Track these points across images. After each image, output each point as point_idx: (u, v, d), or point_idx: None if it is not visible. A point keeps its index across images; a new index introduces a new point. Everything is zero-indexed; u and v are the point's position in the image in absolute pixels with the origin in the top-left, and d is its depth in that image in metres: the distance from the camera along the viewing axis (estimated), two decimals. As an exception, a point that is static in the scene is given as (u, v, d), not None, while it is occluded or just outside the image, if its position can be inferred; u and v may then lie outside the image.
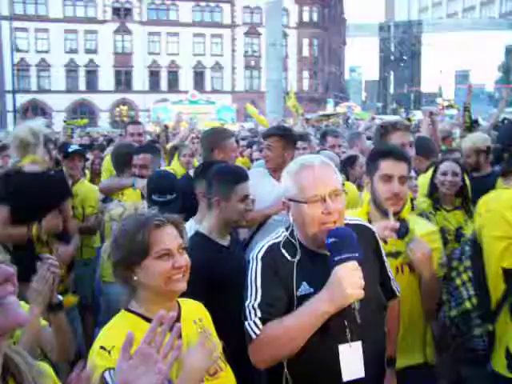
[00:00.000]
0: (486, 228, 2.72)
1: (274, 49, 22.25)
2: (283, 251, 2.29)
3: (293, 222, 2.32)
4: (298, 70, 63.39)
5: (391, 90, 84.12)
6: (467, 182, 4.61)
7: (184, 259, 2.15)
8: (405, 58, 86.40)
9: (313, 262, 2.25)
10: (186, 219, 3.34)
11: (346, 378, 2.20)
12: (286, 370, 2.24)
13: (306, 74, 63.72)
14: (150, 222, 2.12)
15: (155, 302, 2.11)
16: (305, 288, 2.21)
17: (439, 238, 3.27)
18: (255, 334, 2.20)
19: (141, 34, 60.30)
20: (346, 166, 5.79)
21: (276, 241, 2.34)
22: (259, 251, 2.32)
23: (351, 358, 2.22)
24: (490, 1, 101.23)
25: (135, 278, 2.11)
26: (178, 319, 2.13)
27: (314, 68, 64.02)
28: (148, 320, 2.01)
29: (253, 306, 2.22)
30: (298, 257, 2.26)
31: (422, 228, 3.10)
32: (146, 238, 2.08)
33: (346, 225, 2.29)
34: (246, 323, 2.23)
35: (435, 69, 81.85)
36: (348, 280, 2.07)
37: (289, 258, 2.27)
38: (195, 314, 2.28)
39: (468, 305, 2.81)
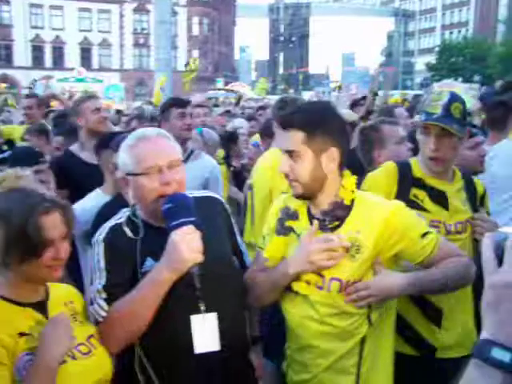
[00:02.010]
0: None
1: (162, 27, 21.87)
2: (126, 230, 2.22)
3: (132, 198, 2.25)
4: (187, 48, 62.81)
5: (280, 71, 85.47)
6: None
7: (64, 250, 1.98)
8: (294, 39, 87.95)
9: (158, 237, 2.14)
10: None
11: (198, 350, 2.15)
12: (137, 347, 2.17)
13: (195, 53, 63.30)
14: (38, 207, 1.90)
15: (24, 287, 1.97)
16: (150, 263, 2.14)
17: None
18: (101, 316, 2.11)
19: (21, 5, 57.20)
20: (229, 141, 6.15)
21: (118, 221, 2.26)
22: (100, 234, 2.23)
23: (204, 330, 2.15)
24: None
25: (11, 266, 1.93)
26: (46, 300, 2.05)
27: (204, 47, 63.72)
28: (17, 303, 1.94)
29: (97, 289, 2.13)
30: (141, 234, 2.19)
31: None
32: (37, 235, 1.87)
33: (194, 198, 2.22)
34: (91, 308, 2.14)
35: (323, 51, 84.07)
36: (184, 244, 2.02)
37: (132, 236, 2.20)
38: (66, 297, 2.16)
39: None
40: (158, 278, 2.06)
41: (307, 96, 37.23)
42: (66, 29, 59.45)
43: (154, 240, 2.15)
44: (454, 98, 2.75)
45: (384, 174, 2.82)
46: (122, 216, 2.29)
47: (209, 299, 2.16)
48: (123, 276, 2.14)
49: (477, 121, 6.48)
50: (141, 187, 2.16)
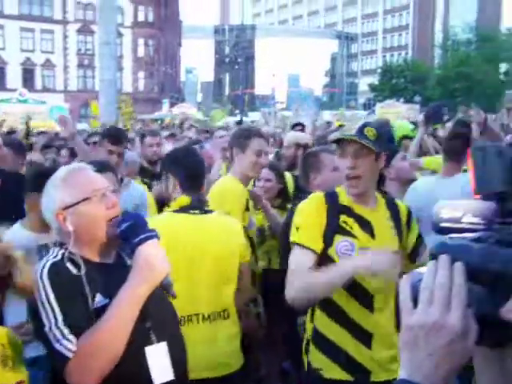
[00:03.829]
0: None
1: (107, 48, 21.78)
2: (68, 266, 2.08)
3: (73, 232, 2.09)
4: (133, 70, 62.58)
5: (226, 92, 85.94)
6: (290, 181, 5.00)
7: None
8: (239, 60, 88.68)
9: (100, 273, 2.09)
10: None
11: (157, 381, 2.08)
12: None
13: (141, 74, 63.12)
14: None
15: None
16: (100, 299, 2.04)
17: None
18: (71, 351, 1.92)
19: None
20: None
21: (56, 259, 2.10)
22: (42, 270, 2.04)
23: (159, 361, 2.11)
24: (316, 11, 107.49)
25: None
26: None
27: (150, 68, 63.61)
28: None
29: (56, 326, 1.95)
30: (83, 270, 2.07)
31: None
32: None
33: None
34: (57, 346, 1.94)
35: (268, 72, 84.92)
36: (155, 256, 2.01)
37: (76, 272, 2.07)
38: None
39: None
40: (136, 293, 1.99)
41: (254, 117, 37.48)
42: (7, 48, 58.37)
43: (97, 276, 2.08)
44: (368, 123, 2.91)
45: (313, 204, 2.86)
46: (56, 254, 2.12)
47: (157, 328, 2.13)
48: (79, 310, 2.00)
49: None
50: (86, 215, 2.09)
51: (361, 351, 2.76)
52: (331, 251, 2.74)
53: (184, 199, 3.11)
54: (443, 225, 1.31)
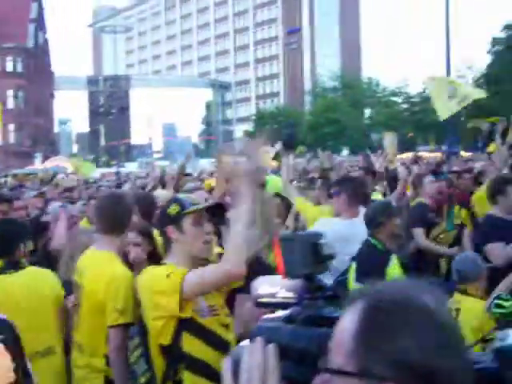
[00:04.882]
0: (145, 309, 2.91)
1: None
2: None
3: None
4: (3, 122, 60.27)
5: (102, 142, 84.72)
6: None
7: None
8: (114, 111, 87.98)
9: None
10: None
11: None
12: None
13: (11, 126, 60.89)
14: None
15: None
16: None
17: None
18: None
19: None
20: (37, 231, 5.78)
21: None
22: None
23: None
24: (189, 61, 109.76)
25: None
26: None
27: (20, 121, 61.56)
28: None
29: None
30: None
31: None
32: None
33: None
34: None
35: (144, 122, 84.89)
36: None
37: None
38: None
39: (142, 380, 3.12)
40: None
41: (131, 167, 37.16)
42: None
43: None
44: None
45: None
46: None
47: None
48: None
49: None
50: None
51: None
52: None
53: None
54: (261, 300, 1.52)
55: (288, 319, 1.37)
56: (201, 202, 3.16)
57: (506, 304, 3.19)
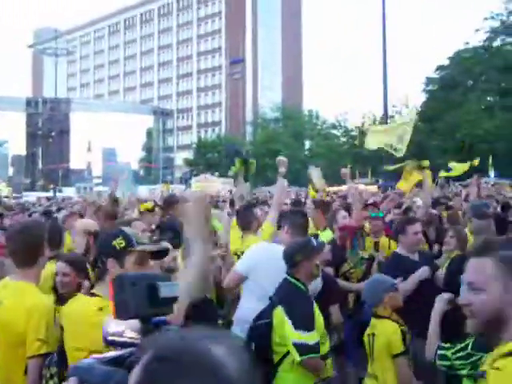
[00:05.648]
0: (69, 338, 2.93)
1: None
2: None
3: None
4: None
5: (40, 166, 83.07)
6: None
7: None
8: (53, 134, 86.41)
9: None
10: None
11: None
12: None
13: None
14: None
15: None
16: None
17: None
18: None
19: None
20: None
21: None
22: None
23: None
24: (132, 87, 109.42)
25: None
26: None
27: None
28: None
29: None
30: None
31: None
32: None
33: None
34: None
35: (84, 146, 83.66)
36: None
37: None
38: None
39: None
40: None
41: (69, 192, 36.41)
42: None
43: None
44: None
45: None
46: None
47: None
48: None
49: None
50: None
51: None
52: None
53: None
54: (109, 338, 1.56)
55: (114, 361, 1.39)
56: (140, 235, 3.20)
57: (448, 353, 3.16)
